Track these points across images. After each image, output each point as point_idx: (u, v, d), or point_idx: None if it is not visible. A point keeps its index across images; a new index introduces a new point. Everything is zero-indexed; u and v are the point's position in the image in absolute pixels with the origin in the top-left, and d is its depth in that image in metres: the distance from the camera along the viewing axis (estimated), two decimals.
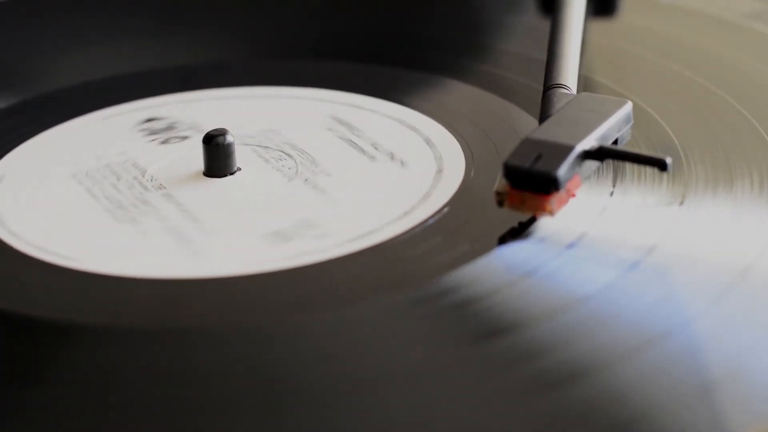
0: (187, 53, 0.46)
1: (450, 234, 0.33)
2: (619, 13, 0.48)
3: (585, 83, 0.41)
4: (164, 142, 0.40)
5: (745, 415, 0.26)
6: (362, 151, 0.38)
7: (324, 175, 0.37)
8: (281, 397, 0.27)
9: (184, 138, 0.40)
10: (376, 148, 0.38)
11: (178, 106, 0.42)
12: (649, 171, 0.35)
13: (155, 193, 0.36)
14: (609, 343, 0.28)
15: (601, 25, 0.47)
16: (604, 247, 0.32)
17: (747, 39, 0.45)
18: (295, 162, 0.38)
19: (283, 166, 0.38)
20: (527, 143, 0.33)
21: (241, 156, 0.38)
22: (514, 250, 0.32)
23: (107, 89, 0.43)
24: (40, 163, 0.39)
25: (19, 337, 0.30)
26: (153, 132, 0.40)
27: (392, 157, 0.38)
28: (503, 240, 0.32)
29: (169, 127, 0.40)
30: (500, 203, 0.32)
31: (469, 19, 0.49)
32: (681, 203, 0.34)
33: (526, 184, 0.32)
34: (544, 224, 0.33)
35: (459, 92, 0.42)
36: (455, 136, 0.38)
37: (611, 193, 0.34)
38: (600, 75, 0.42)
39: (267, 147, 0.39)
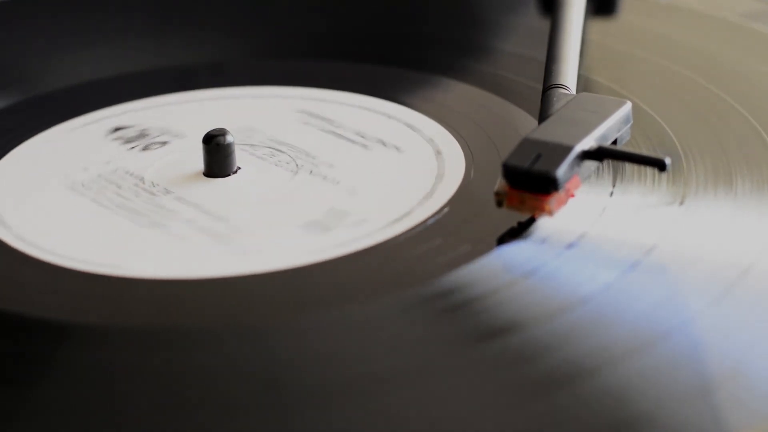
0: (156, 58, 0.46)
1: (449, 234, 0.33)
2: (619, 13, 0.48)
3: (584, 83, 0.41)
4: (145, 149, 0.39)
5: (745, 416, 0.26)
6: (353, 142, 0.38)
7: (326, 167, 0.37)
8: (281, 397, 0.27)
9: (164, 143, 0.39)
10: (374, 141, 0.38)
11: (144, 113, 0.42)
12: (649, 171, 0.35)
13: (166, 197, 0.36)
14: (609, 343, 0.28)
15: (600, 25, 0.47)
16: (603, 248, 0.32)
17: (746, 39, 0.45)
18: (291, 157, 0.38)
19: (279, 161, 0.38)
20: (526, 143, 0.33)
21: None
22: (514, 250, 0.32)
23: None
24: (33, 171, 0.38)
25: (18, 337, 0.30)
26: (128, 140, 0.40)
27: (385, 144, 0.38)
28: (502, 240, 0.32)
29: (142, 135, 0.40)
30: (499, 203, 0.32)
31: (468, 19, 0.49)
32: (681, 203, 0.34)
33: (525, 185, 0.32)
34: (544, 224, 0.33)
35: (459, 92, 0.42)
36: (455, 136, 0.38)
37: (611, 193, 0.34)
38: (599, 75, 0.42)
39: (254, 145, 0.39)
